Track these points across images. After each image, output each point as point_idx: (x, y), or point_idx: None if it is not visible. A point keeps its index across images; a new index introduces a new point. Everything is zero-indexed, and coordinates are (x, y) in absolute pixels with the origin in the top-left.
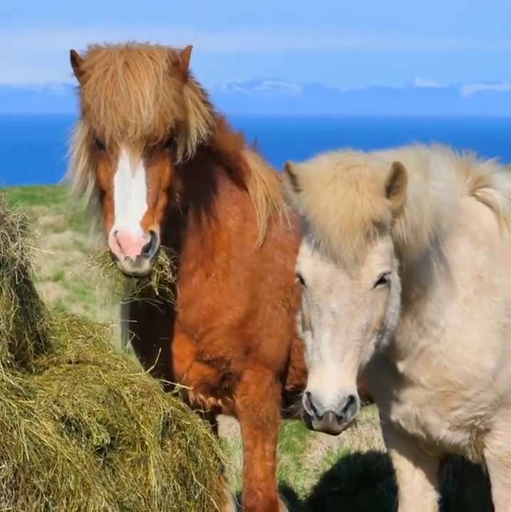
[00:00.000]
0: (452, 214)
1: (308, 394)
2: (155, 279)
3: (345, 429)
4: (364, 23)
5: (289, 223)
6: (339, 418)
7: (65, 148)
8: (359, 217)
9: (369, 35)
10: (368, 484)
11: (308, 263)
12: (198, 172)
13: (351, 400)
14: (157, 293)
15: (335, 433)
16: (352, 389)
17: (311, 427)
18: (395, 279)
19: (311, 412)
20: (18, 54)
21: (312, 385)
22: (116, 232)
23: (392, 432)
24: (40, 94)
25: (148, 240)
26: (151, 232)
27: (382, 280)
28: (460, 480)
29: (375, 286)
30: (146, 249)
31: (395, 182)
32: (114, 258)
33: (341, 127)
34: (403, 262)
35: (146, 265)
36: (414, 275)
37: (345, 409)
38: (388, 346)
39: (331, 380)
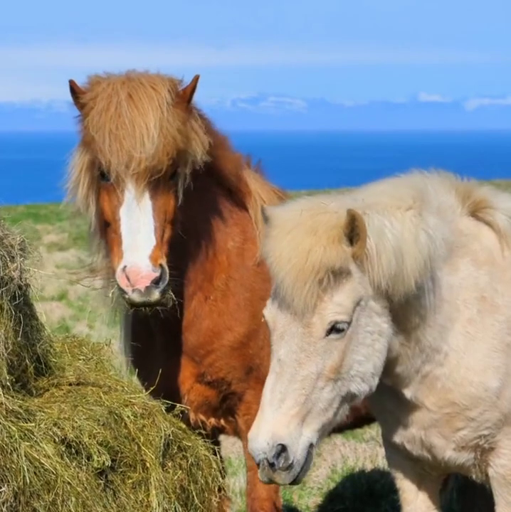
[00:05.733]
0: (446, 245)
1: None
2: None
3: (294, 479)
4: (367, 38)
5: None
6: (271, 465)
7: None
8: (310, 266)
9: (373, 50)
10: (372, 502)
11: (271, 308)
12: (197, 194)
13: (283, 448)
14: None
15: (283, 483)
16: (285, 437)
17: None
18: (372, 324)
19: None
20: (21, 71)
21: (250, 431)
22: (125, 267)
23: (395, 452)
24: (43, 111)
25: (158, 274)
26: (161, 266)
27: (336, 329)
28: (466, 498)
29: (327, 335)
30: (156, 281)
31: (352, 230)
32: (121, 292)
33: (345, 142)
34: (392, 302)
35: (155, 295)
36: (411, 306)
37: (277, 456)
38: (367, 391)
39: (266, 426)
